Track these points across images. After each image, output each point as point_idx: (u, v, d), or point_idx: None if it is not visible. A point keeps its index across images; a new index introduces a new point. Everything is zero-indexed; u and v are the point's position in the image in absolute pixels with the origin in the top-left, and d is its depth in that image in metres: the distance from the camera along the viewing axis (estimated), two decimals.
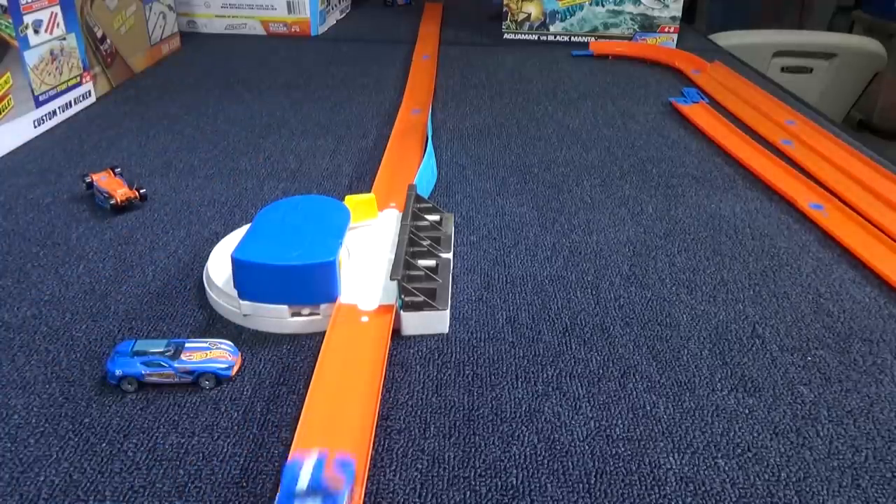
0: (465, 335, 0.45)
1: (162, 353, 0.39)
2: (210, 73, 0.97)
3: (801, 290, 0.50)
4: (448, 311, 0.45)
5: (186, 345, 0.40)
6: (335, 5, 1.27)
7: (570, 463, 0.35)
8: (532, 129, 0.79)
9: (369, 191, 0.60)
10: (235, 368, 0.41)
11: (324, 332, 0.42)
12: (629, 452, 0.36)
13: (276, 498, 0.31)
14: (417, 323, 0.44)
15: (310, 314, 0.44)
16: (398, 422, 0.38)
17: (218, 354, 0.40)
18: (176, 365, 0.39)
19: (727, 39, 1.50)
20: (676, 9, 1.10)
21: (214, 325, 0.45)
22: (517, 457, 0.36)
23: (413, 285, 0.44)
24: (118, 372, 0.39)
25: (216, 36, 1.16)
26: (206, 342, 0.41)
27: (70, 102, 0.80)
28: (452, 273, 0.50)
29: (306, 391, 0.38)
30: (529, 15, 1.14)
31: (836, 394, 0.41)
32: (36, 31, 0.72)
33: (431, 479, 0.35)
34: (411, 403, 0.39)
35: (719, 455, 0.36)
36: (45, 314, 0.46)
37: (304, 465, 0.32)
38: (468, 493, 0.34)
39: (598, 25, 1.13)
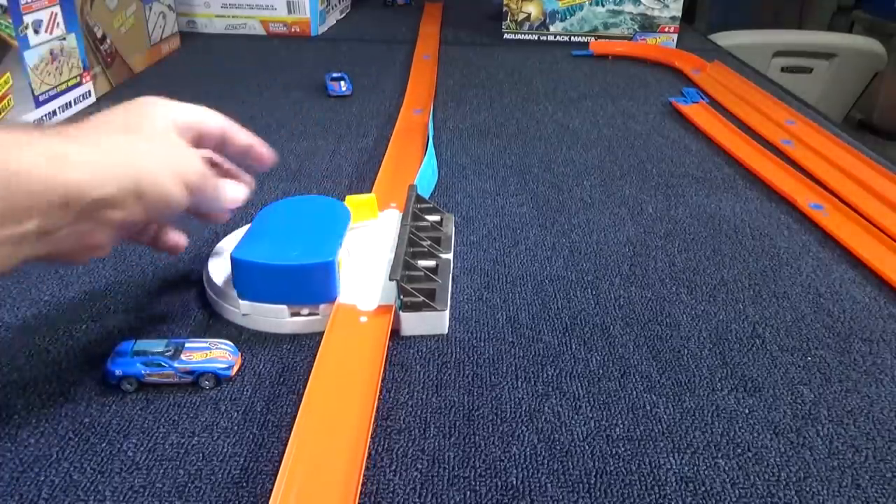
0: (465, 335, 0.45)
1: (162, 353, 0.39)
2: (210, 73, 0.97)
3: (801, 290, 0.50)
4: (447, 312, 0.45)
5: (186, 345, 0.40)
6: (335, 5, 1.27)
7: (570, 463, 0.35)
8: (532, 129, 0.79)
9: (370, 191, 0.60)
10: (235, 368, 0.41)
11: (323, 332, 0.42)
12: (629, 452, 0.36)
13: None
14: (416, 323, 0.44)
15: (309, 314, 0.44)
16: (398, 422, 0.38)
17: (218, 354, 0.40)
18: (176, 365, 0.39)
19: (727, 39, 1.50)
20: (676, 9, 1.10)
21: (214, 325, 0.45)
22: (517, 457, 0.36)
23: (412, 286, 0.44)
24: (118, 372, 0.39)
25: (216, 36, 1.16)
26: (206, 342, 0.41)
27: (70, 102, 0.80)
28: (452, 273, 0.50)
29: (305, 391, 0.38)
30: (529, 15, 1.14)
31: (836, 394, 0.41)
32: (36, 31, 0.72)
33: (431, 479, 0.35)
34: (411, 403, 0.39)
35: (719, 455, 0.36)
36: (45, 314, 0.46)
37: None
38: (468, 493, 0.34)
39: (598, 25, 1.13)
